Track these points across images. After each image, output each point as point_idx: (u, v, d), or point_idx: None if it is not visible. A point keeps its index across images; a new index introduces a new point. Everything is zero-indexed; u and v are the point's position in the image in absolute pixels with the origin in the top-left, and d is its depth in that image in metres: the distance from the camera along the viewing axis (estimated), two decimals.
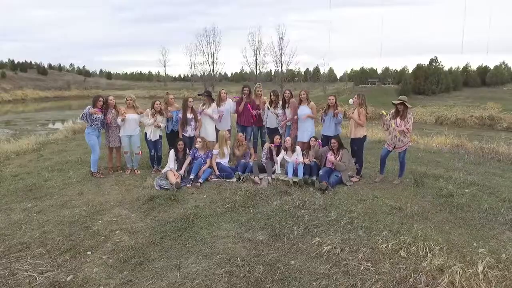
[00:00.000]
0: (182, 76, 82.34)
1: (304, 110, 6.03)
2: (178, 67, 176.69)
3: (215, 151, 5.61)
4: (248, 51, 77.48)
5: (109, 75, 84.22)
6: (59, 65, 76.03)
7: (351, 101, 5.71)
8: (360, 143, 5.56)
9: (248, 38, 66.42)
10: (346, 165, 5.42)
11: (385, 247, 3.58)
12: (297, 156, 5.57)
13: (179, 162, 5.50)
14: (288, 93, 6.29)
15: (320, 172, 5.34)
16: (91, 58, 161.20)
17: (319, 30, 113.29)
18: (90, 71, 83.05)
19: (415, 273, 3.20)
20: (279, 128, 6.28)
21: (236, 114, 6.39)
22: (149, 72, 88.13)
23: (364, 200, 4.68)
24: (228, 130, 6.20)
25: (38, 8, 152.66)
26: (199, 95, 6.44)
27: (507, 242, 3.73)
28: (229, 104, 6.28)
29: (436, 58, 39.60)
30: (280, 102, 6.33)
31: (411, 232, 3.85)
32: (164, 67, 71.74)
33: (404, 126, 5.27)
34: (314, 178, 5.33)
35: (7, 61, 68.20)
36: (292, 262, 3.38)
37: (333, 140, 5.50)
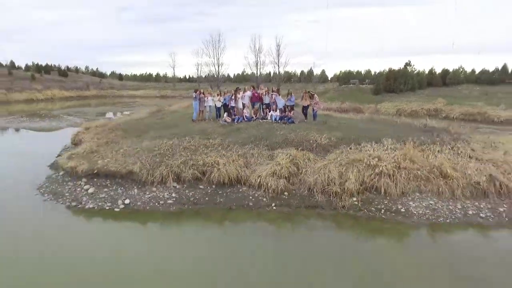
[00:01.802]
0: (187, 77, 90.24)
1: (278, 97, 14.37)
2: (182, 67, 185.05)
3: (245, 110, 14.02)
4: (249, 55, 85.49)
5: (120, 77, 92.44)
6: (76, 67, 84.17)
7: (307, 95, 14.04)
8: (306, 108, 13.93)
9: (250, 44, 74.44)
10: (296, 116, 13.81)
11: (299, 134, 11.92)
12: (277, 113, 13.95)
13: (229, 115, 13.88)
14: (276, 89, 14.69)
15: (285, 119, 13.73)
16: (93, 59, 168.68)
17: (318, 31, 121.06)
18: (101, 72, 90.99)
19: (305, 138, 11.53)
20: (270, 103, 14.63)
21: (252, 97, 14.84)
22: (157, 73, 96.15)
23: (300, 127, 13.03)
24: (245, 103, 14.59)
25: (39, 9, 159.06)
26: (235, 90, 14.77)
27: (338, 130, 12.07)
28: (248, 93, 14.71)
29: (410, 61, 47.91)
30: (271, 92, 14.76)
31: (310, 133, 12.16)
32: (173, 68, 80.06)
33: (312, 101, 13.66)
34: (283, 120, 13.67)
35: (31, 64, 76.45)
36: (273, 138, 11.74)
37: (289, 107, 13.88)
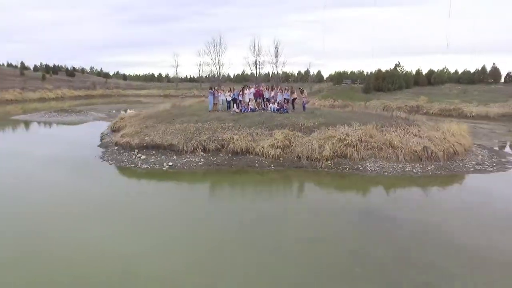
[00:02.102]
0: (188, 77, 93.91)
1: (277, 93, 18.25)
2: (182, 67, 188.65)
3: (250, 103, 17.87)
4: (249, 55, 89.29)
5: (124, 77, 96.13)
6: (82, 68, 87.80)
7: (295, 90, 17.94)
8: (293, 100, 17.82)
9: (250, 45, 78.23)
10: (289, 106, 17.69)
11: (291, 120, 15.79)
12: (275, 105, 17.81)
13: (238, 107, 17.73)
14: (277, 88, 18.58)
15: (281, 110, 17.59)
16: (92, 59, 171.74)
17: (317, 31, 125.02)
18: (106, 73, 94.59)
19: (295, 123, 15.39)
20: (270, 98, 18.48)
21: (255, 93, 18.69)
22: (159, 73, 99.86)
23: (292, 116, 16.90)
24: (250, 98, 18.43)
25: (39, 9, 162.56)
26: (242, 87, 18.62)
27: (321, 118, 15.95)
28: (252, 89, 18.54)
29: (399, 62, 51.88)
30: (270, 90, 18.62)
31: (299, 119, 16.02)
32: (176, 69, 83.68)
33: (302, 96, 17.57)
34: (280, 111, 17.54)
35: (39, 64, 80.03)
36: (272, 122, 15.59)
37: (285, 99, 17.78)
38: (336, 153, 12.80)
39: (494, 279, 5.87)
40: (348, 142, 12.85)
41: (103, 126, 22.36)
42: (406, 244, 7.10)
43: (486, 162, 13.26)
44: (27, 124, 25.59)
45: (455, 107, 34.10)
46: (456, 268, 6.15)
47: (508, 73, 43.79)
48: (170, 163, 12.60)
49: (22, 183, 10.89)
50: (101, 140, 17.65)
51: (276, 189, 10.96)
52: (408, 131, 14.30)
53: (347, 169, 12.26)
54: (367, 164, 12.42)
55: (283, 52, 69.28)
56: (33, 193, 9.93)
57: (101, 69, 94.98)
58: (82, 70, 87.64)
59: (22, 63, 73.74)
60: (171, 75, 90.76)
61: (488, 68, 45.43)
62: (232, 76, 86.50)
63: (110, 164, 12.99)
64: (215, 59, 69.70)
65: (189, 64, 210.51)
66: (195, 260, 6.47)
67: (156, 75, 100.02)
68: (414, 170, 12.11)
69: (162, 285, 5.66)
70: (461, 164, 12.79)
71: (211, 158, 13.00)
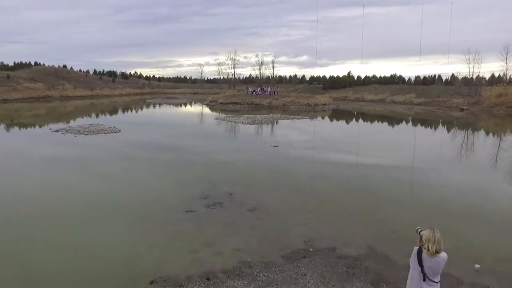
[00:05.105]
0: (207, 78, 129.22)
1: (268, 88, 54.41)
2: (183, 68, 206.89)
3: (259, 92, 53.97)
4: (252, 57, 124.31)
5: (159, 79, 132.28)
6: (130, 73, 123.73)
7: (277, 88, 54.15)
8: (274, 91, 54.03)
9: (255, 58, 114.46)
10: (273, 92, 53.96)
11: (273, 96, 51.91)
12: (268, 92, 53.93)
13: (255, 93, 53.83)
14: (269, 86, 54.93)
15: (270, 94, 53.70)
16: (92, 60, 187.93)
17: (314, 32, 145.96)
18: (146, 76, 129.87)
19: (274, 97, 51.43)
20: (266, 89, 54.51)
21: (261, 88, 54.94)
22: (184, 76, 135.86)
23: (273, 96, 53.13)
24: (259, 90, 54.50)
25: (38, 9, 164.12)
26: (256, 86, 54.79)
27: (281, 96, 52.14)
28: (259, 88, 54.65)
29: (350, 71, 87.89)
30: (266, 87, 54.85)
31: (275, 96, 52.10)
32: (201, 74, 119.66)
33: (277, 89, 53.78)
34: (270, 94, 53.62)
35: (102, 70, 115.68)
36: (267, 97, 51.66)
37: (271, 90, 54.09)
38: (283, 104, 48.99)
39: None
40: (286, 101, 49.10)
41: (194, 103, 58.38)
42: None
43: (302, 110, 49.31)
44: (158, 104, 61.56)
45: (360, 96, 70.42)
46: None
47: (403, 78, 79.63)
48: (238, 107, 48.76)
49: (193, 113, 47.17)
50: (208, 105, 53.71)
51: (265, 111, 46.91)
52: (305, 98, 50.46)
53: (286, 108, 48.32)
54: (291, 106, 48.62)
55: (280, 58, 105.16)
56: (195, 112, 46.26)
57: (141, 73, 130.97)
58: (130, 74, 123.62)
59: (95, 70, 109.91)
60: (194, 76, 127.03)
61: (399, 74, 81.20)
62: (242, 78, 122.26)
63: (214, 108, 49.19)
64: (231, 66, 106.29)
65: (192, 65, 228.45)
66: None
67: (182, 77, 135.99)
68: (303, 108, 48.23)
69: None
70: (317, 107, 48.92)
71: (249, 106, 49.21)
